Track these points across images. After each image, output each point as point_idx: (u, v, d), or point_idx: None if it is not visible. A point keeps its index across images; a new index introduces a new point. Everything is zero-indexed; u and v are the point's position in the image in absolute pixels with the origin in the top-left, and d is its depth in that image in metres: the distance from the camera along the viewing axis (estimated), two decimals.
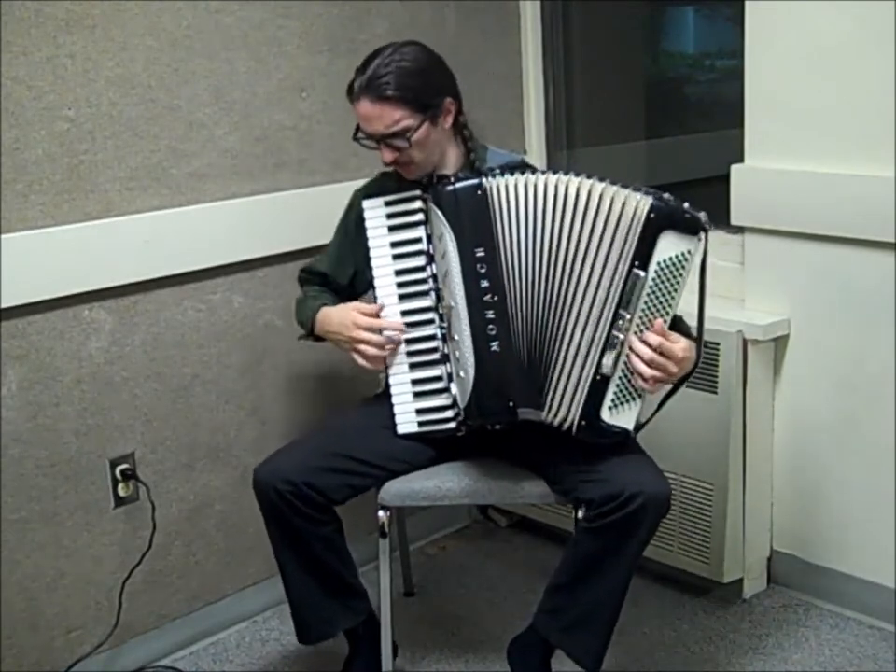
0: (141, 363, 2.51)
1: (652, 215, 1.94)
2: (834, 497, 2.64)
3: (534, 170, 2.08)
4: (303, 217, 2.70)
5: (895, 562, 2.53)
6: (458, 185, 2.06)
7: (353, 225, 2.32)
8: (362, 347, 2.18)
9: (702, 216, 1.96)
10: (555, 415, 2.06)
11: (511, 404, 2.05)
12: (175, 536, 2.63)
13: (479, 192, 2.04)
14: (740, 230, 2.70)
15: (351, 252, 2.32)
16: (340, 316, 2.23)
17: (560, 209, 2.01)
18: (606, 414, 2.02)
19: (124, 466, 2.50)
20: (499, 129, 3.10)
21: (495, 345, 2.04)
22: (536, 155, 3.19)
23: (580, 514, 2.09)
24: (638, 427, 2.07)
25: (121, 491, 2.51)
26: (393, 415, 2.21)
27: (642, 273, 1.95)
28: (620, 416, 2.03)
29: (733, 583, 2.71)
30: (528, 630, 2.24)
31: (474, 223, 2.04)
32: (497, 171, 2.07)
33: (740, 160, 2.64)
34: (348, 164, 2.80)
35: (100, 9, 2.33)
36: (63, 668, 2.46)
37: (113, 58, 2.37)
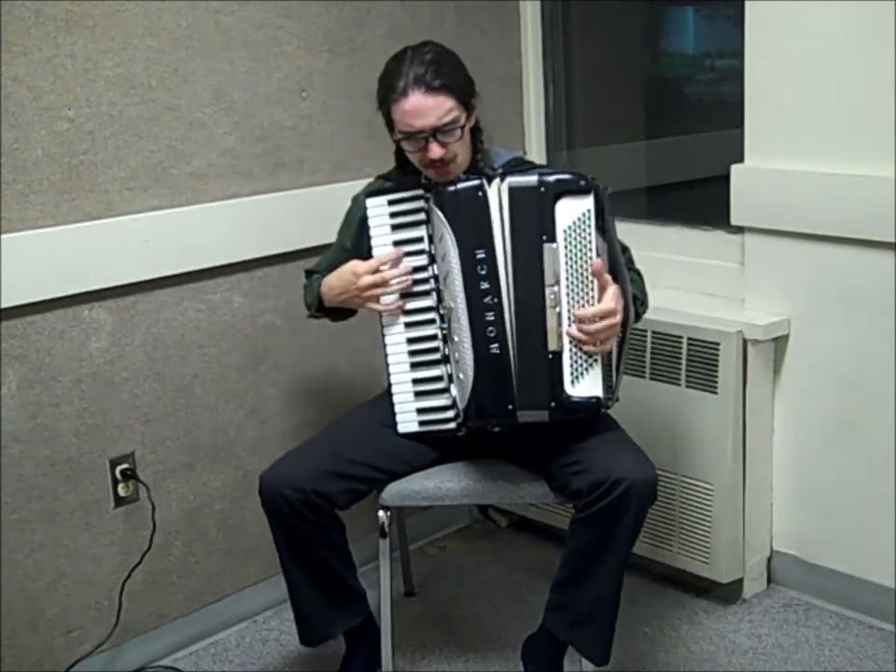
0: (141, 363, 2.50)
1: (542, 189, 2.01)
2: (834, 497, 2.63)
3: (532, 166, 2.09)
4: (303, 217, 2.70)
5: (895, 562, 2.53)
6: (459, 186, 2.06)
7: (352, 237, 2.31)
8: (375, 292, 2.16)
9: (589, 176, 2.03)
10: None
11: (510, 407, 2.05)
12: (175, 536, 2.63)
13: (480, 194, 2.05)
14: (740, 230, 2.69)
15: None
16: (340, 276, 2.22)
17: (500, 210, 2.04)
18: (570, 389, 2.03)
19: (124, 466, 2.50)
20: (499, 129, 3.10)
21: (494, 347, 2.04)
22: (536, 155, 3.19)
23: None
24: (609, 395, 2.06)
25: (121, 491, 2.51)
26: (394, 415, 2.22)
27: (553, 245, 2.01)
28: (583, 386, 2.04)
29: (733, 583, 2.71)
30: (540, 630, 2.25)
31: (475, 224, 2.05)
32: (499, 171, 2.08)
33: (740, 160, 2.64)
34: (348, 164, 2.80)
35: (100, 9, 2.33)
36: (63, 668, 2.46)
37: (113, 58, 2.37)
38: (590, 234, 2.01)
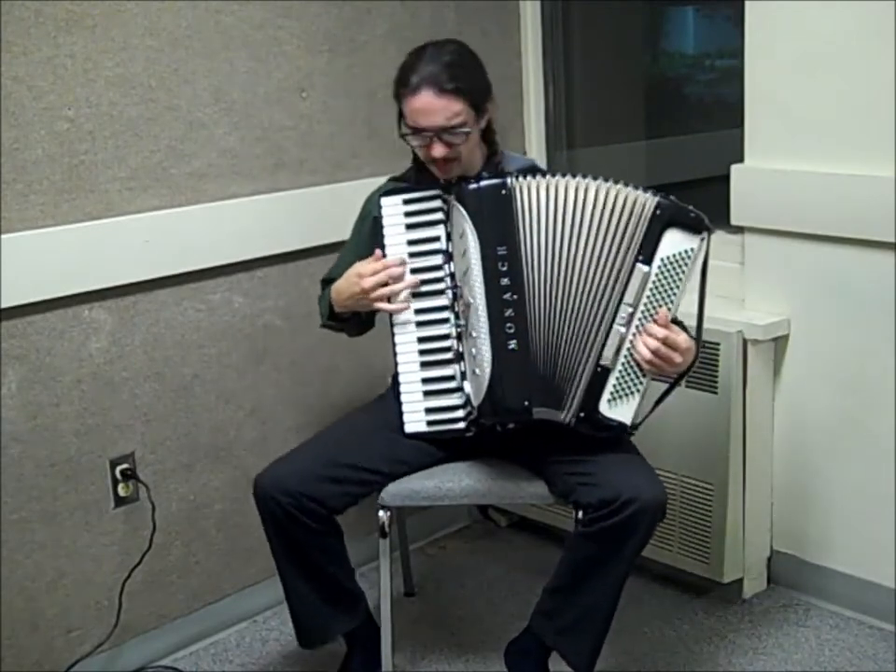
0: (141, 363, 2.51)
1: (658, 211, 2.01)
2: (835, 497, 2.63)
3: (550, 174, 2.09)
4: (303, 217, 2.70)
5: (895, 562, 2.53)
6: (483, 183, 2.07)
7: (366, 236, 2.30)
8: (379, 293, 2.15)
9: (705, 217, 2.02)
10: (567, 412, 2.07)
11: (526, 403, 2.05)
12: (175, 536, 2.63)
13: (503, 192, 2.05)
14: (740, 230, 2.70)
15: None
16: (346, 279, 2.21)
17: (579, 210, 2.04)
18: (604, 407, 2.05)
19: (124, 466, 2.50)
20: (499, 129, 3.09)
21: (512, 344, 2.04)
22: (536, 155, 3.19)
23: (579, 516, 2.09)
24: (635, 424, 2.08)
25: (121, 491, 2.51)
26: (399, 415, 2.20)
27: (646, 268, 2.01)
28: (618, 410, 2.05)
29: (733, 583, 2.71)
30: (525, 632, 2.24)
31: (497, 221, 2.05)
32: (517, 173, 2.09)
33: (740, 160, 2.64)
34: (348, 164, 2.80)
35: (100, 9, 2.33)
36: (63, 668, 2.46)
37: (113, 58, 2.37)
38: (684, 272, 2.01)
